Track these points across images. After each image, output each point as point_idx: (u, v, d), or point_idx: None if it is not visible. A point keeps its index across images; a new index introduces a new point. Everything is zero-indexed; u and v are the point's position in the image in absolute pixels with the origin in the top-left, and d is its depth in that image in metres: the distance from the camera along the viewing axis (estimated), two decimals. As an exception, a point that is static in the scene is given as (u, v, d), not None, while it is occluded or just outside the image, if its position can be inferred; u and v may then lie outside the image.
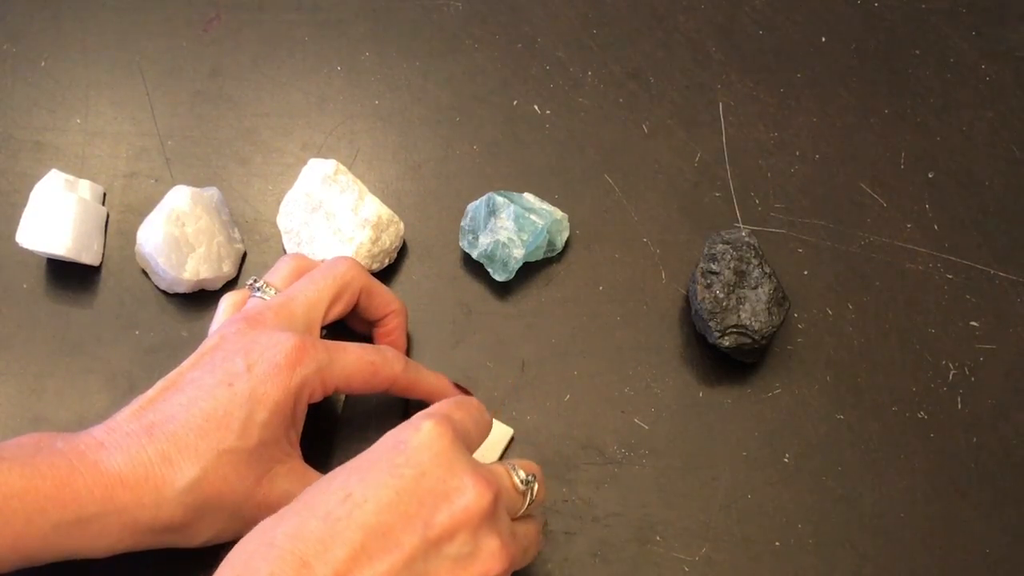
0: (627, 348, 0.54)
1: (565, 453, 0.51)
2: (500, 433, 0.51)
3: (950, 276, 0.56)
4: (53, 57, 0.61)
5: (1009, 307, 0.56)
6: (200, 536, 0.42)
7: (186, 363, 0.43)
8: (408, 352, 0.53)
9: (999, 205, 0.58)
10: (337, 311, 0.47)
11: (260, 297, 0.46)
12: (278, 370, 0.42)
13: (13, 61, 0.61)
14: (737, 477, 0.51)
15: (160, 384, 0.43)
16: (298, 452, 0.44)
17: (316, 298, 0.46)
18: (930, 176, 0.59)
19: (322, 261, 0.49)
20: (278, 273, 0.48)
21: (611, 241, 0.57)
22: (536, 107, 0.60)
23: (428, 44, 0.62)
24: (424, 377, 0.48)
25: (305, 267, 0.48)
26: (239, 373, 0.41)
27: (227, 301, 0.48)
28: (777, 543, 0.50)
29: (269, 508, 0.41)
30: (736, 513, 0.50)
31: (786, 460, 0.52)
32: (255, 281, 0.47)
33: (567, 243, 0.56)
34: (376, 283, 0.49)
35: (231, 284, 0.55)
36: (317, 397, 0.44)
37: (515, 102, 0.60)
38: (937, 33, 0.63)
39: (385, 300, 0.49)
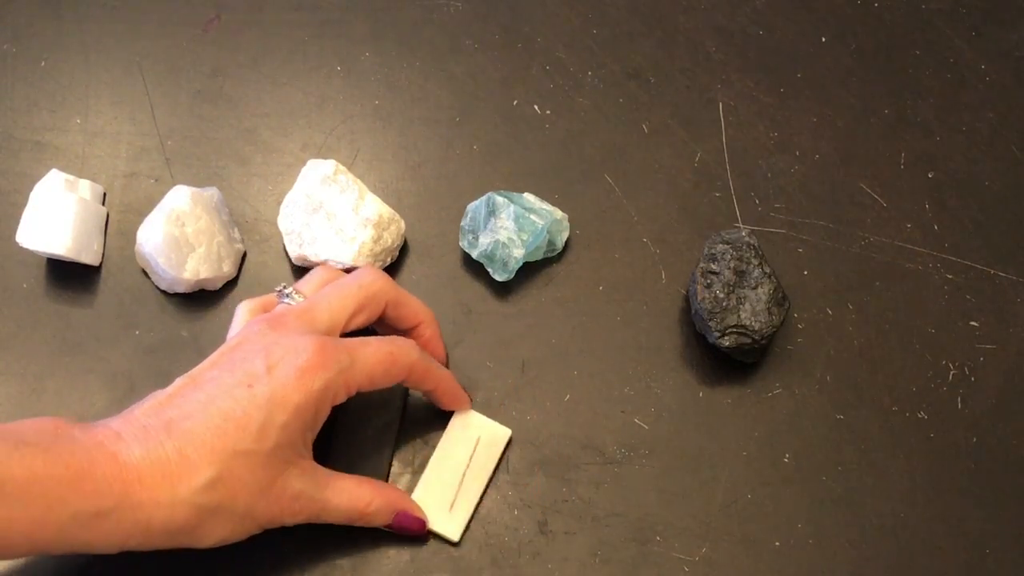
0: (627, 348, 0.54)
1: (565, 453, 0.51)
2: (498, 434, 0.51)
3: (950, 276, 0.56)
4: (53, 57, 0.61)
5: (1009, 307, 0.56)
6: (211, 537, 0.42)
7: (206, 361, 0.44)
8: None
9: (999, 205, 0.58)
10: (360, 320, 0.47)
11: (287, 303, 0.47)
12: (300, 374, 0.42)
13: (13, 61, 0.61)
14: (737, 477, 0.51)
15: (179, 381, 0.43)
16: (310, 452, 0.45)
17: (340, 305, 0.46)
18: (930, 176, 0.59)
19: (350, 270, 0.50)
20: (308, 283, 0.49)
21: (611, 241, 0.57)
22: (536, 107, 0.60)
23: (428, 44, 0.62)
24: (435, 368, 0.48)
25: (335, 279, 0.49)
26: (259, 375, 0.41)
27: (244, 307, 0.48)
28: (777, 543, 0.50)
29: (281, 509, 0.43)
30: (736, 513, 0.50)
31: (786, 460, 0.52)
32: (284, 287, 0.48)
33: (567, 243, 0.56)
34: (404, 294, 0.49)
35: (231, 284, 0.55)
36: (340, 399, 0.44)
37: (515, 102, 0.60)
38: (937, 33, 0.63)
39: (413, 310, 0.50)
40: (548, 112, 0.60)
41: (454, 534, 0.49)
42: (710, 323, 0.51)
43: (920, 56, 0.63)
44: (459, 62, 0.61)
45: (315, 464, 0.45)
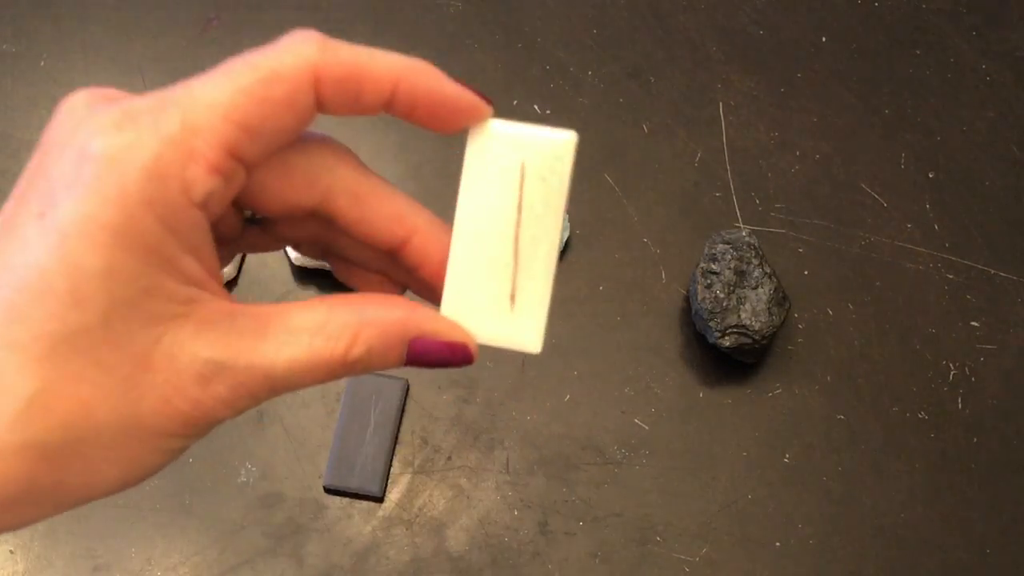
0: (627, 348, 0.54)
1: (565, 453, 0.51)
2: (556, 146, 0.25)
3: (950, 276, 0.56)
4: (53, 57, 0.61)
5: (1009, 307, 0.56)
6: (99, 483, 0.23)
7: (24, 172, 0.24)
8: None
9: (999, 205, 0.58)
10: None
11: None
12: (100, 174, 0.22)
13: (13, 61, 0.61)
14: (737, 477, 0.51)
15: None
16: (213, 288, 0.24)
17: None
18: (930, 176, 0.59)
19: None
20: None
21: (611, 241, 0.57)
22: (536, 107, 0.60)
23: (428, 44, 0.62)
24: (374, 57, 0.24)
25: None
26: (52, 191, 0.22)
27: None
28: (777, 543, 0.50)
29: (191, 401, 0.23)
30: (736, 513, 0.50)
31: (786, 460, 0.52)
32: None
33: (567, 243, 0.56)
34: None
35: (231, 285, 0.55)
36: (206, 186, 0.23)
37: (515, 102, 0.60)
38: (937, 33, 0.63)
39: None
40: (548, 112, 0.60)
41: (531, 341, 0.27)
42: (710, 323, 0.51)
43: (920, 56, 0.63)
44: (459, 62, 0.61)
45: (230, 306, 0.24)
